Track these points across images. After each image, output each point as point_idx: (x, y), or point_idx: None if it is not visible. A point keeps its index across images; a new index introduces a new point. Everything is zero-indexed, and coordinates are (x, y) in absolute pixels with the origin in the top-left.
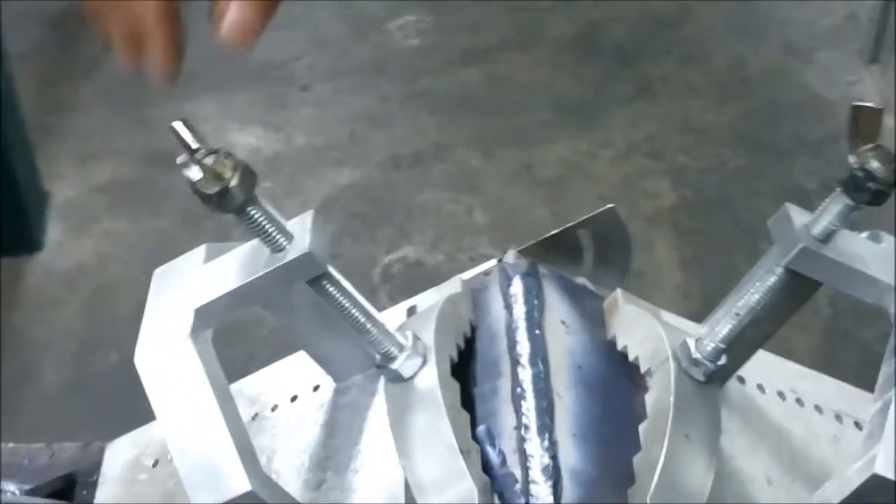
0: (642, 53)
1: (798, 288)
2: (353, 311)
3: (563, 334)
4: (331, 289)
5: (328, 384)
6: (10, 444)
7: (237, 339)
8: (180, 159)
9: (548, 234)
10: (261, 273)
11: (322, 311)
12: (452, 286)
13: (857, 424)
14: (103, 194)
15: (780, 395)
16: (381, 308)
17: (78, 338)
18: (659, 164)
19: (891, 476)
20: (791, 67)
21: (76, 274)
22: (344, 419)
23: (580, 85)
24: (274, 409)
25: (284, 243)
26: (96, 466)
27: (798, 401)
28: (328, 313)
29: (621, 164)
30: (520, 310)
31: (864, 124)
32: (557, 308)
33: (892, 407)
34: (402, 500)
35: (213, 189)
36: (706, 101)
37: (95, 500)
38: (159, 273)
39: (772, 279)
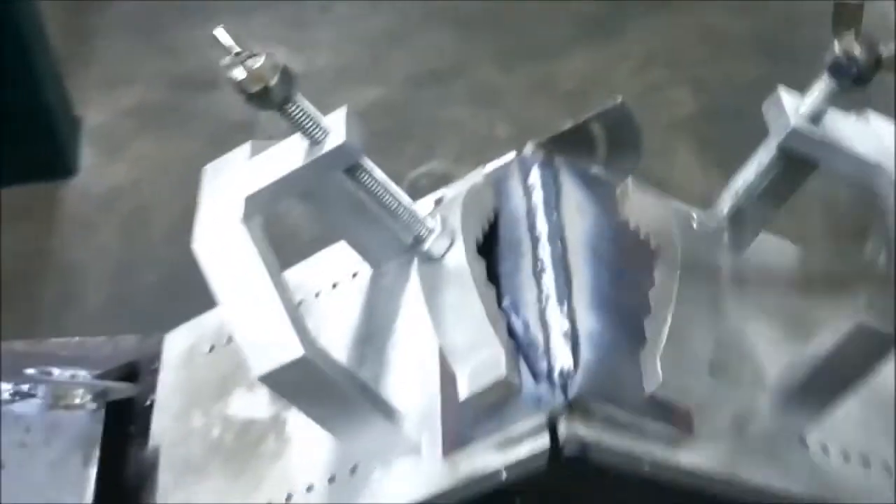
0: None
1: (792, 168)
2: (386, 197)
3: (579, 217)
4: (365, 177)
5: (366, 271)
6: (76, 338)
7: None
8: (224, 62)
9: (563, 128)
10: (302, 164)
11: (357, 201)
12: (475, 177)
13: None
14: (132, 118)
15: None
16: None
17: (115, 259)
18: (678, 74)
19: (877, 325)
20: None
21: (110, 197)
22: (381, 301)
23: None
24: (317, 295)
25: (322, 137)
26: (156, 355)
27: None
28: (363, 202)
29: (641, 75)
30: (538, 195)
31: (846, 17)
32: (573, 194)
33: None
34: (435, 369)
35: (255, 88)
36: (725, 10)
37: (158, 384)
38: (209, 169)
39: (767, 159)
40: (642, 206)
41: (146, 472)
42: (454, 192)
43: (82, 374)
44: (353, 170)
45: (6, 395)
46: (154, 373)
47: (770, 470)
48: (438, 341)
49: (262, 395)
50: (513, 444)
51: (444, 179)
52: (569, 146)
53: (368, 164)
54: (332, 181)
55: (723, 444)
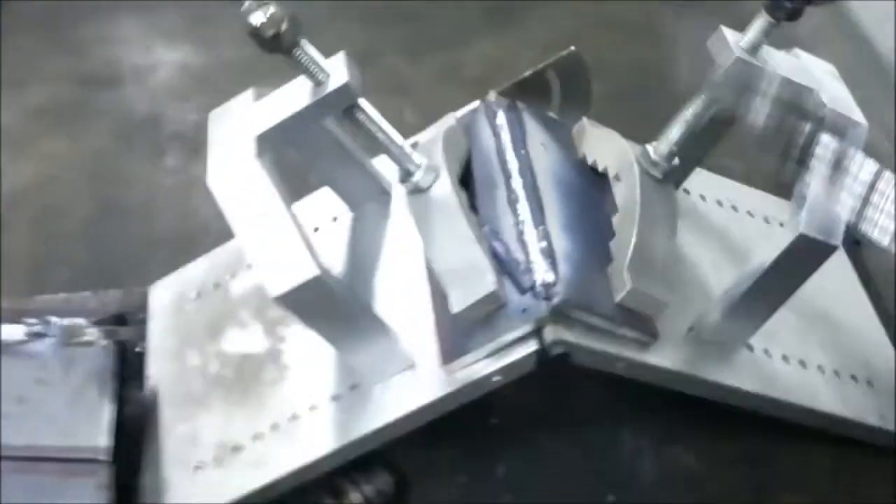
0: None
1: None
2: (381, 134)
3: (544, 153)
4: (362, 116)
5: (345, 215)
6: (62, 294)
7: None
8: (244, 7)
9: (521, 76)
10: (308, 103)
11: (342, 148)
12: (447, 122)
13: (783, 225)
14: (39, 117)
15: (719, 203)
16: None
17: (29, 257)
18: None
19: (813, 234)
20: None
21: (21, 196)
22: (363, 239)
23: None
24: None
25: (325, 79)
26: (142, 306)
27: (733, 207)
28: (347, 148)
29: (545, 60)
30: (506, 136)
31: None
32: (536, 134)
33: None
34: (425, 292)
35: (269, 32)
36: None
37: (148, 331)
38: (215, 114)
39: (715, 91)
40: (598, 143)
41: (147, 409)
42: (427, 136)
43: (79, 321)
44: (351, 109)
45: (21, 336)
46: (142, 322)
47: (723, 370)
48: (429, 263)
49: (256, 331)
50: (504, 351)
51: None
52: (528, 93)
53: (365, 103)
54: (323, 129)
55: (683, 348)
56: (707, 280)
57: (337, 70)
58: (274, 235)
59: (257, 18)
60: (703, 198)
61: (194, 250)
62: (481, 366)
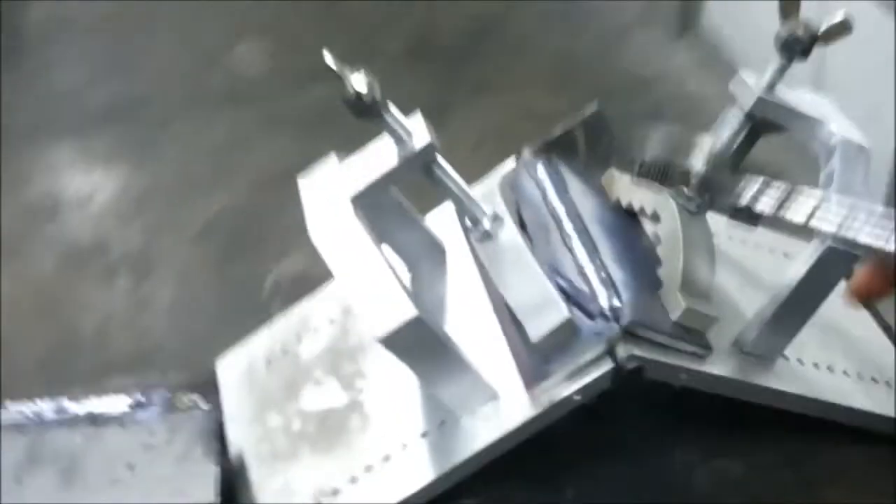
0: (475, 53)
1: (752, 132)
2: (454, 187)
3: (584, 199)
4: (439, 171)
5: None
6: (130, 379)
7: None
8: (337, 69)
9: (551, 136)
10: (398, 162)
11: (402, 207)
12: (492, 181)
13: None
14: None
15: (730, 237)
16: None
17: None
18: (511, 148)
19: (843, 246)
20: (611, 51)
21: None
22: (426, 290)
23: (425, 87)
24: None
25: (406, 138)
26: (211, 381)
27: (742, 241)
28: (405, 207)
29: (479, 151)
30: (548, 186)
31: (788, 8)
32: (573, 183)
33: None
34: (496, 330)
35: (370, 98)
36: (542, 89)
37: (223, 401)
38: (304, 181)
39: (736, 125)
40: (631, 187)
41: (236, 472)
42: (478, 190)
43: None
44: (431, 165)
45: (126, 408)
46: (215, 395)
47: (769, 377)
48: (503, 301)
49: (333, 387)
50: (582, 372)
51: (303, 279)
52: (557, 149)
53: (441, 158)
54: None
55: (732, 360)
56: (737, 301)
57: (418, 130)
58: (374, 283)
59: (359, 85)
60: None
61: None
62: (562, 387)
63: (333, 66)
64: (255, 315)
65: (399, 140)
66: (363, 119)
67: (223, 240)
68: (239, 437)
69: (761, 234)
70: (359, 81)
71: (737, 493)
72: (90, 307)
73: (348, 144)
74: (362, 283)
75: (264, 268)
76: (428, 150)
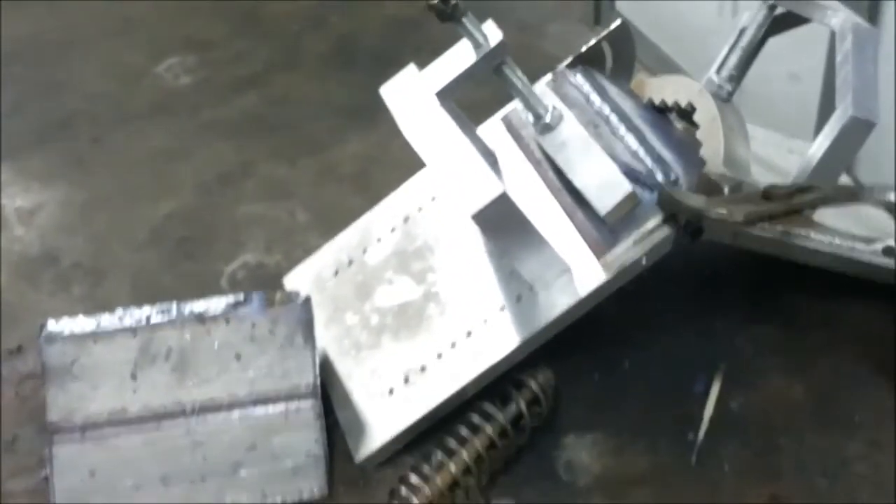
0: (397, 54)
1: (773, 24)
2: (521, 84)
3: (621, 99)
4: (508, 70)
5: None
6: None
7: None
8: None
9: (580, 51)
10: (478, 59)
11: (462, 118)
12: (539, 86)
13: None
14: None
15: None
16: None
17: None
18: None
19: (863, 115)
20: (530, 42)
21: None
22: None
23: (352, 90)
24: (420, 209)
25: (482, 40)
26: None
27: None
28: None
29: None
30: (589, 90)
31: None
32: (609, 87)
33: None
34: (559, 212)
35: (449, 4)
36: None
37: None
38: (386, 88)
39: (761, 17)
40: (662, 86)
41: (322, 366)
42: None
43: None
44: (501, 64)
45: (227, 306)
46: None
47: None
48: (572, 183)
49: (405, 283)
50: (647, 238)
51: (260, 269)
52: (587, 62)
53: (509, 59)
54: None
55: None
56: (761, 181)
57: (492, 33)
58: (464, 167)
59: None
60: None
61: None
62: (631, 253)
63: None
64: None
65: (475, 42)
66: (446, 22)
67: (173, 243)
68: (319, 338)
69: (766, 134)
70: None
71: (775, 354)
72: (48, 314)
73: (281, 146)
74: (453, 167)
75: (217, 266)
76: (500, 49)
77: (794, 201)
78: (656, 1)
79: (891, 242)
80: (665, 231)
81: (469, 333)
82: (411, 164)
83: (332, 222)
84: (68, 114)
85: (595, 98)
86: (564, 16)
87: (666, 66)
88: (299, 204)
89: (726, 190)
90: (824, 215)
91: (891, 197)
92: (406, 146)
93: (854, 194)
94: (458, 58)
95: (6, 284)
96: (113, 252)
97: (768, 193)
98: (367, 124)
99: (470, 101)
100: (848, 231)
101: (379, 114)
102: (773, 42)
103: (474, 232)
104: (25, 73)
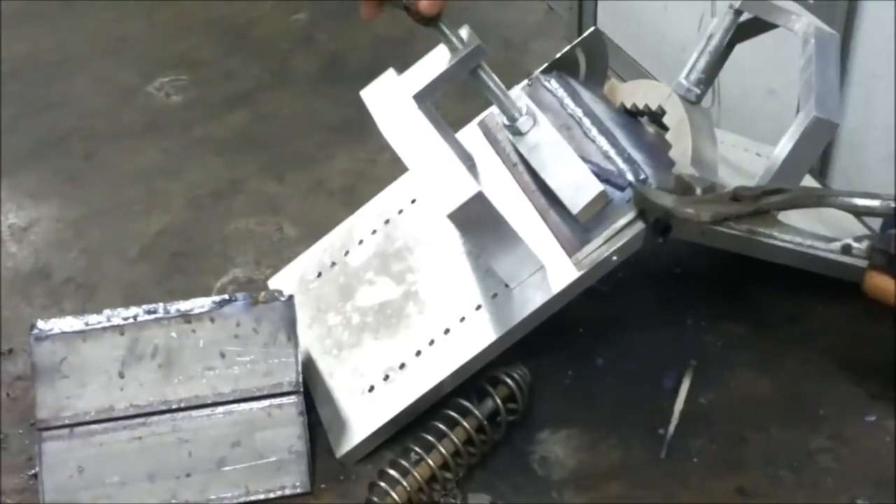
0: (384, 72)
1: (738, 30)
2: (497, 89)
3: (594, 104)
4: (483, 74)
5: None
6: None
7: None
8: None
9: (556, 57)
10: (454, 62)
11: (439, 122)
12: (515, 91)
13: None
14: None
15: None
16: None
17: None
18: None
19: (825, 116)
20: (514, 59)
21: None
22: None
23: (341, 107)
24: (400, 212)
25: (459, 44)
26: None
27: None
28: (441, 124)
29: (400, 166)
30: (563, 94)
31: None
32: (583, 92)
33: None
34: (532, 213)
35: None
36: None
37: None
38: (366, 91)
39: (727, 22)
40: (632, 91)
41: (305, 365)
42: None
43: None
44: (477, 68)
45: (212, 305)
46: None
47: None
48: (545, 183)
49: (385, 283)
50: (618, 235)
51: (249, 284)
52: (562, 68)
53: (484, 64)
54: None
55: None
56: (729, 182)
57: (468, 37)
58: (440, 167)
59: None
60: None
61: None
62: (602, 250)
63: None
64: None
65: (452, 46)
66: (427, 26)
67: (165, 258)
68: (301, 338)
69: (735, 138)
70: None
71: (741, 346)
72: None
73: (271, 162)
74: (431, 167)
75: (207, 281)
76: (476, 53)
77: (761, 203)
78: (638, 19)
79: (849, 241)
80: (635, 229)
81: (447, 331)
82: (398, 178)
83: (321, 236)
84: (62, 131)
85: (569, 102)
86: (548, 34)
87: (644, 78)
88: (288, 219)
89: (699, 191)
90: (790, 216)
91: (856, 201)
92: (393, 162)
93: (820, 198)
94: (436, 62)
95: None
96: (105, 267)
97: (737, 195)
98: (355, 140)
99: (455, 116)
100: (811, 230)
101: (366, 130)
102: (752, 57)
103: (452, 233)
104: (22, 92)
